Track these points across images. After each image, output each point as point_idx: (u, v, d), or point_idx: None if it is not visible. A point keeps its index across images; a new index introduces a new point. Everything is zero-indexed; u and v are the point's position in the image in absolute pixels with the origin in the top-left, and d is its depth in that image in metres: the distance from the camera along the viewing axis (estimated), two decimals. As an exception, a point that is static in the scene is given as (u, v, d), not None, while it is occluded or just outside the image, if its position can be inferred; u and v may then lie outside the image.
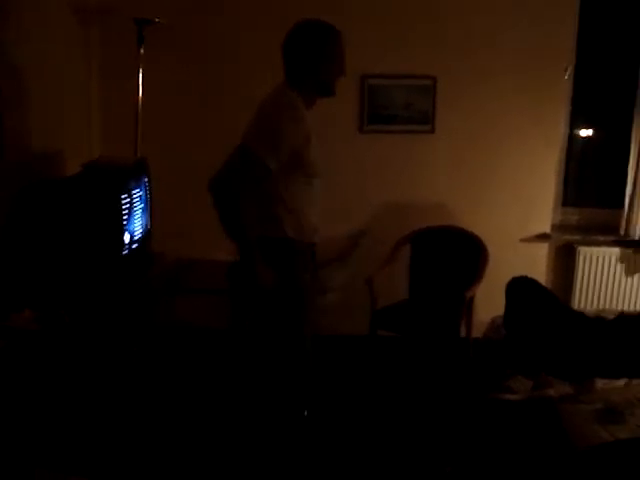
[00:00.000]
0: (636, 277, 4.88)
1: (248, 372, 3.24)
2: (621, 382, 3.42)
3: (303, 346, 3.04)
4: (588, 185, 5.37)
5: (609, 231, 4.94)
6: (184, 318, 4.54)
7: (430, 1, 4.69)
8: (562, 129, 4.94)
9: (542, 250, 4.99)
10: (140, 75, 4.26)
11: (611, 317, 4.05)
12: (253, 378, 3.19)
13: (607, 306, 4.86)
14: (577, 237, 4.95)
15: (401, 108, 4.81)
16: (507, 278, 4.02)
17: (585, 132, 5.24)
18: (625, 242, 4.85)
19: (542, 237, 4.95)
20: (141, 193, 3.75)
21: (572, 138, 5.10)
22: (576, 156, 5.17)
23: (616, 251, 4.87)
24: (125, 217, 3.45)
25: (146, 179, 3.87)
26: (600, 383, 3.40)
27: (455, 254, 4.65)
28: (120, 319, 3.40)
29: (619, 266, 4.87)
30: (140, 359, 3.70)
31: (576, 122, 5.07)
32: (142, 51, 4.24)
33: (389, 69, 4.75)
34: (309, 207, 2.93)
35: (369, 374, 4.41)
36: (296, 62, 2.88)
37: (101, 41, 4.66)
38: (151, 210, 3.94)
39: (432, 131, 4.84)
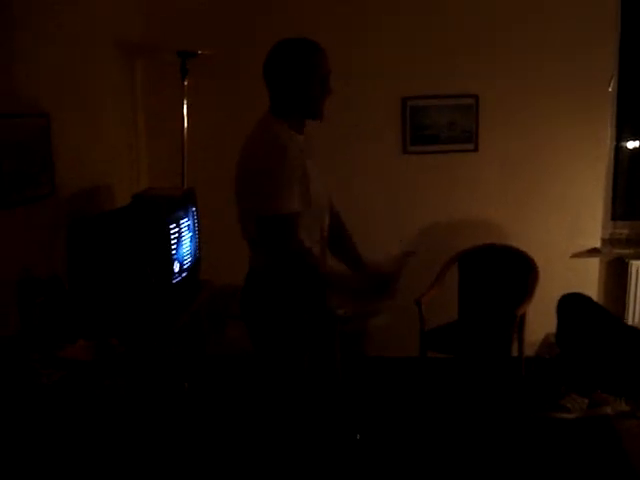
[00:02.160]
0: (690, 290, 4.79)
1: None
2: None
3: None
4: (637, 198, 5.28)
5: (660, 243, 4.86)
6: (235, 344, 4.57)
7: (468, 19, 4.69)
8: (608, 142, 4.89)
9: (593, 265, 4.92)
10: (185, 106, 4.34)
11: (666, 331, 3.97)
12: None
13: (661, 320, 4.77)
14: (628, 251, 4.87)
15: (444, 127, 4.81)
16: (558, 295, 3.96)
17: (631, 144, 5.17)
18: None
19: (592, 252, 4.89)
20: (189, 222, 3.80)
21: (619, 151, 5.04)
22: (623, 169, 5.10)
23: (668, 264, 4.78)
24: (174, 246, 3.50)
25: (194, 208, 3.92)
26: (657, 399, 3.33)
27: (504, 272, 4.61)
28: (171, 347, 3.43)
29: (672, 279, 4.78)
30: (191, 392, 3.72)
31: (622, 135, 5.01)
32: (186, 83, 4.32)
33: (430, 89, 4.76)
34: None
35: (420, 396, 4.38)
36: (279, 84, 2.70)
37: (145, 74, 4.76)
38: (199, 238, 3.99)
39: (476, 149, 4.83)
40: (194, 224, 3.91)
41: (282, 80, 2.70)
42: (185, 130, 4.38)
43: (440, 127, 4.82)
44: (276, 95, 2.75)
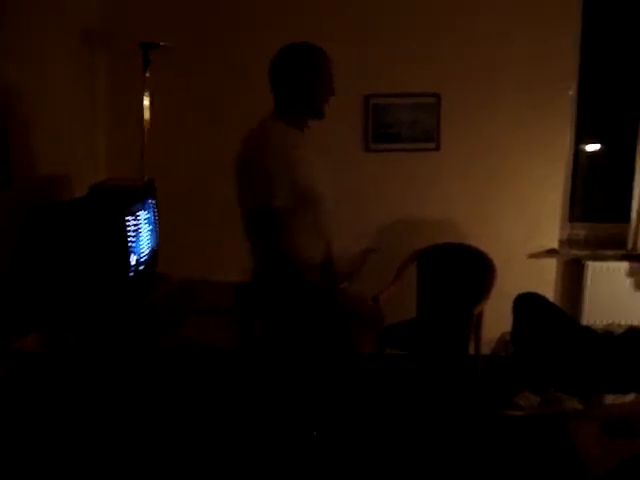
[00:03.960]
0: (645, 291, 4.86)
1: (257, 391, 3.24)
2: (630, 397, 3.40)
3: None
4: (595, 200, 5.36)
5: (617, 245, 4.92)
6: (190, 339, 4.55)
7: (431, 19, 4.71)
8: (567, 145, 4.94)
9: (550, 266, 4.98)
10: (146, 98, 4.30)
11: (620, 332, 4.03)
12: (262, 397, 3.18)
13: (616, 321, 4.83)
14: (585, 252, 4.93)
15: (406, 126, 4.83)
16: (515, 294, 3.99)
17: (590, 147, 5.24)
18: (633, 256, 4.83)
19: (550, 253, 4.94)
20: (147, 215, 3.77)
21: (577, 153, 5.10)
22: (582, 171, 5.16)
23: (624, 265, 4.85)
24: (131, 239, 3.46)
25: (152, 201, 3.89)
26: (609, 398, 3.38)
27: (462, 271, 4.64)
28: (126, 341, 3.40)
29: (627, 280, 4.85)
30: (146, 382, 3.69)
31: (581, 137, 5.07)
32: (148, 74, 4.28)
33: (393, 87, 4.78)
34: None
35: (377, 393, 4.40)
36: (286, 87, 2.85)
37: (107, 64, 4.72)
38: (157, 231, 3.95)
39: (437, 148, 4.86)
40: (153, 216, 3.87)
41: (292, 82, 2.84)
42: (146, 121, 4.33)
43: (402, 125, 4.84)
44: (283, 96, 2.88)
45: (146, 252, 3.74)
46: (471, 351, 4.29)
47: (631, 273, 4.84)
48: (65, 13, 4.08)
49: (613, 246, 4.93)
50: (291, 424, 3.09)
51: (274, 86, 2.89)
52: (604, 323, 4.75)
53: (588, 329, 4.04)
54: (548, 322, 3.82)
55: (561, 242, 5.00)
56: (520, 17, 4.69)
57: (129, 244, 3.44)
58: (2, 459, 2.38)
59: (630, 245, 4.82)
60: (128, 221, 3.43)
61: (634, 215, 4.78)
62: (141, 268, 3.65)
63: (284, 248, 2.73)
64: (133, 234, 3.49)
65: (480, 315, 4.27)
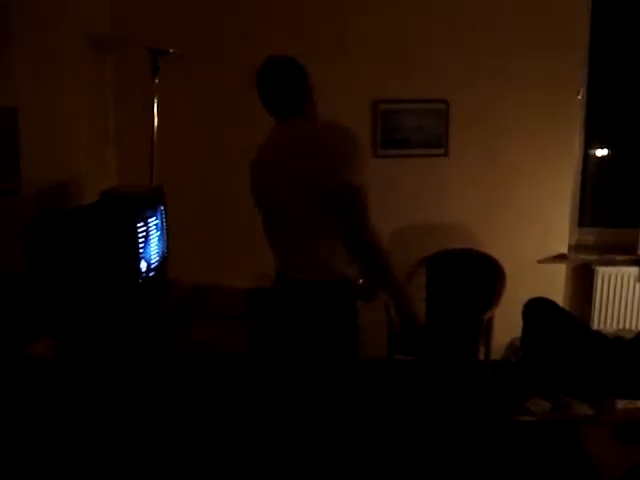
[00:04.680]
0: (655, 296, 4.85)
1: (266, 398, 3.23)
2: (641, 402, 3.40)
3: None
4: (604, 205, 5.35)
5: (626, 251, 4.91)
6: (201, 344, 4.55)
7: (440, 25, 4.72)
8: (576, 150, 4.94)
9: (560, 271, 4.97)
10: (155, 104, 4.31)
11: (630, 337, 4.01)
12: (271, 404, 3.17)
13: (626, 326, 4.82)
14: (594, 257, 4.92)
15: (414, 132, 4.83)
16: (525, 300, 3.98)
17: (600, 152, 5.23)
18: (643, 261, 4.83)
19: (559, 258, 4.93)
20: (157, 221, 3.77)
21: (587, 159, 5.09)
22: (591, 176, 5.16)
23: (634, 270, 4.83)
24: (141, 245, 3.47)
25: (162, 207, 3.89)
26: (620, 403, 3.36)
27: (472, 276, 4.64)
28: (137, 347, 3.40)
29: (637, 285, 4.83)
30: (157, 387, 3.70)
31: (590, 143, 5.07)
32: (157, 81, 4.30)
33: (401, 94, 4.78)
34: None
35: (387, 399, 4.39)
36: (289, 94, 2.78)
37: (116, 71, 4.74)
38: (167, 237, 3.96)
39: (446, 154, 4.85)
40: (162, 222, 3.88)
41: (293, 91, 2.78)
42: (155, 128, 4.35)
43: (411, 131, 4.84)
44: (290, 103, 2.79)
45: (156, 258, 3.75)
46: (481, 357, 4.28)
47: (641, 278, 4.84)
48: (74, 21, 4.09)
49: (623, 251, 4.92)
50: (297, 429, 3.08)
51: (276, 93, 2.80)
52: (614, 328, 4.74)
53: (598, 334, 4.02)
54: (558, 327, 3.81)
55: (570, 247, 4.99)
56: (527, 23, 4.68)
57: (139, 250, 3.45)
58: (14, 463, 2.39)
59: (640, 250, 4.82)
60: (139, 227, 3.44)
61: (644, 220, 4.77)
62: (151, 274, 3.66)
63: (368, 225, 2.61)
64: (143, 240, 3.50)
65: (490, 321, 4.26)
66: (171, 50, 4.24)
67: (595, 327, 4.79)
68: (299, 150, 2.66)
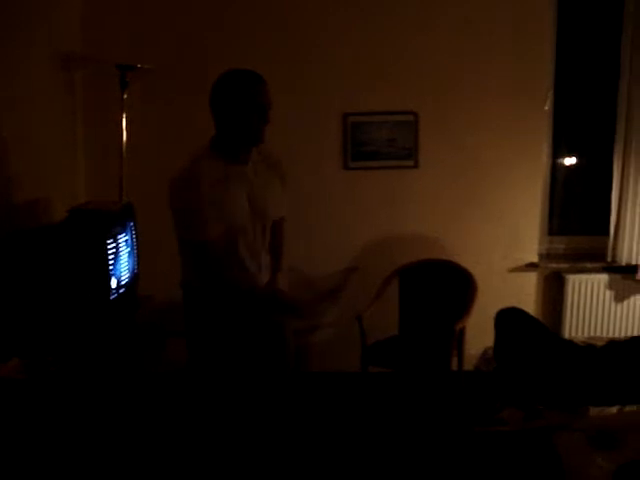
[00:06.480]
0: (625, 303, 4.89)
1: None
2: (614, 409, 3.41)
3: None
4: (573, 213, 5.40)
5: (596, 258, 4.95)
6: (174, 361, 4.51)
7: (408, 37, 4.74)
8: (544, 159, 4.99)
9: (531, 279, 5.00)
10: (124, 120, 4.29)
11: (601, 344, 4.04)
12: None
13: (597, 333, 4.86)
14: (565, 265, 4.96)
15: (384, 144, 4.84)
16: (497, 309, 4.00)
17: (568, 161, 5.28)
18: (613, 268, 4.87)
19: (530, 267, 4.97)
20: (127, 237, 3.75)
21: (555, 167, 5.15)
22: (560, 185, 5.21)
23: (604, 278, 4.88)
24: (111, 262, 3.45)
25: (132, 223, 3.87)
26: (593, 411, 3.38)
27: (444, 287, 4.65)
28: (109, 365, 3.37)
29: (608, 292, 4.88)
30: (130, 406, 3.66)
31: (558, 151, 5.12)
32: (125, 96, 4.28)
33: (371, 106, 4.80)
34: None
35: (361, 411, 4.39)
36: (220, 113, 2.88)
37: (84, 87, 4.69)
38: (138, 254, 3.93)
39: (416, 166, 4.88)
40: (132, 239, 3.85)
41: (223, 109, 2.86)
42: (124, 143, 4.32)
43: (381, 143, 4.85)
44: (217, 124, 2.92)
45: (126, 275, 3.72)
46: (454, 367, 4.29)
47: (611, 285, 4.88)
48: (42, 36, 4.06)
49: (593, 259, 4.97)
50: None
51: (215, 111, 2.92)
52: (585, 336, 4.77)
53: (570, 342, 4.05)
54: (530, 336, 3.83)
55: (541, 256, 5.03)
56: (495, 34, 4.73)
57: (109, 267, 3.42)
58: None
59: (610, 257, 4.86)
60: (108, 244, 3.42)
61: (612, 227, 4.82)
62: (122, 291, 3.63)
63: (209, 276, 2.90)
64: (113, 257, 3.47)
65: (462, 331, 4.27)
66: (139, 65, 4.23)
67: (566, 335, 4.83)
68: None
